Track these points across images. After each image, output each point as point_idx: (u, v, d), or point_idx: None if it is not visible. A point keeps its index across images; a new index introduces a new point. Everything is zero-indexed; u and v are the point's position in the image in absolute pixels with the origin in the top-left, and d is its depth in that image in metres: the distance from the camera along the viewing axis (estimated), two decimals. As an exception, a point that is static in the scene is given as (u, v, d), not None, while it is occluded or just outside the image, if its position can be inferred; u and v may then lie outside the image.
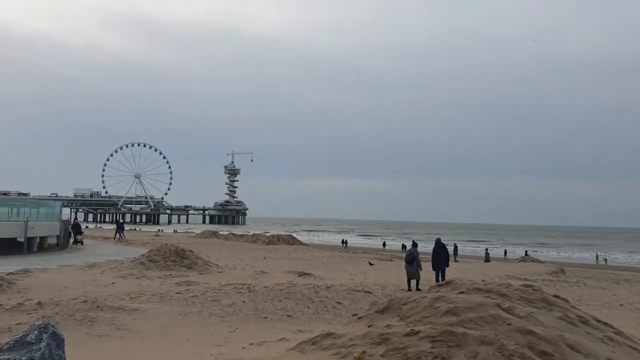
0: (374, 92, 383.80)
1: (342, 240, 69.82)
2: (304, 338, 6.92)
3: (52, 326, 4.80)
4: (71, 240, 33.16)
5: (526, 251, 58.26)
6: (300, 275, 20.07)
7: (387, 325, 6.26)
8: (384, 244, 69.76)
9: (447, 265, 17.51)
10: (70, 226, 35.01)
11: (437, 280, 16.88)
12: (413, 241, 19.11)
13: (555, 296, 6.95)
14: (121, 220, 74.04)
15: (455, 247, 41.97)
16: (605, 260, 59.26)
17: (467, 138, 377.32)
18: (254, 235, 54.15)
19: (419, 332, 5.89)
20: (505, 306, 6.17)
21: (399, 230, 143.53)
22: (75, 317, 9.62)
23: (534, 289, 6.89)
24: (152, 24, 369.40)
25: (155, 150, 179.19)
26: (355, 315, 7.59)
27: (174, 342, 8.05)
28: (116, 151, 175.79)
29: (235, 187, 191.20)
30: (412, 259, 16.37)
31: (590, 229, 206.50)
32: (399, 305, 6.68)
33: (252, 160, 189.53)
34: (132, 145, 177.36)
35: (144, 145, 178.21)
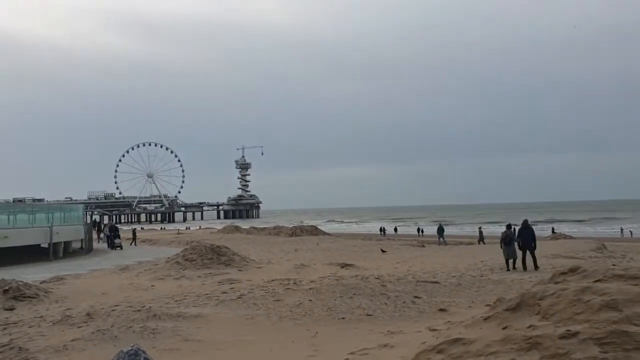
0: (382, 76, 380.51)
1: (380, 228, 67.94)
2: (414, 344, 5.97)
3: (143, 352, 3.90)
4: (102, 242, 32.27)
5: (553, 228, 56.93)
6: (343, 267, 19.16)
7: (530, 327, 5.26)
8: (392, 230, 68.01)
9: (535, 247, 17.65)
10: (104, 229, 34.08)
11: (523, 261, 17.42)
12: (509, 224, 20.07)
13: None
14: (113, 223, 66.97)
15: (440, 228, 40.86)
16: (631, 232, 57.90)
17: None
18: (275, 227, 53.29)
19: (577, 333, 4.88)
20: (673, 296, 5.15)
21: (411, 215, 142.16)
22: (133, 328, 8.72)
23: (687, 273, 5.85)
24: (151, 19, 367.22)
25: (167, 149, 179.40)
26: (473, 317, 6.60)
27: (255, 354, 7.12)
28: (128, 152, 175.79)
29: (247, 182, 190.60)
30: (510, 240, 17.67)
31: (594, 203, 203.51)
32: (535, 300, 5.67)
33: (262, 154, 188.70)
34: (143, 145, 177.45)
35: (155, 145, 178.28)
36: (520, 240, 17.68)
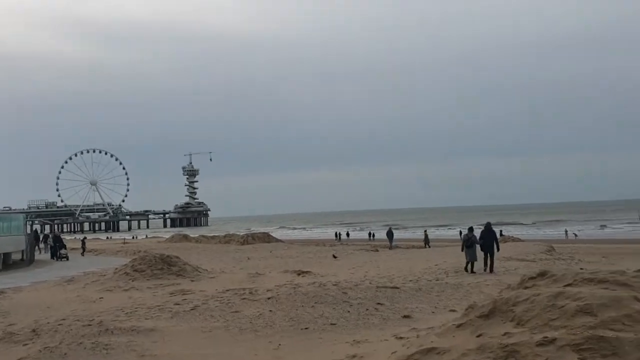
0: (337, 81, 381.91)
1: (336, 234, 67.82)
2: (383, 354, 5.78)
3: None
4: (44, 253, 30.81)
5: (501, 231, 58.25)
6: (299, 274, 18.87)
7: (506, 334, 5.15)
8: (344, 234, 68.24)
9: (498, 250, 18.05)
10: (47, 239, 32.53)
11: (485, 263, 17.68)
12: (470, 227, 19.84)
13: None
14: (57, 232, 60.39)
15: (390, 232, 41.26)
16: (575, 234, 59.97)
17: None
18: (226, 235, 52.43)
19: (554, 339, 4.81)
20: (645, 299, 5.14)
21: (358, 220, 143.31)
22: (84, 345, 8.19)
23: (653, 275, 5.89)
24: (88, 21, 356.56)
25: (111, 155, 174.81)
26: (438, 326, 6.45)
27: (217, 369, 6.76)
28: (70, 158, 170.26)
29: (195, 189, 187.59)
30: (471, 243, 17.69)
31: (533, 206, 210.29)
32: (508, 306, 5.58)
33: (211, 160, 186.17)
34: (87, 152, 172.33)
35: (99, 152, 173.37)
36: (482, 243, 17.79)
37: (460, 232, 63.51)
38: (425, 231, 45.83)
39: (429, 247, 38.64)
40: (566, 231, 63.01)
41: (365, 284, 13.39)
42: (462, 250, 18.14)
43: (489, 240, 17.81)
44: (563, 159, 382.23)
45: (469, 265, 17.57)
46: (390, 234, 40.70)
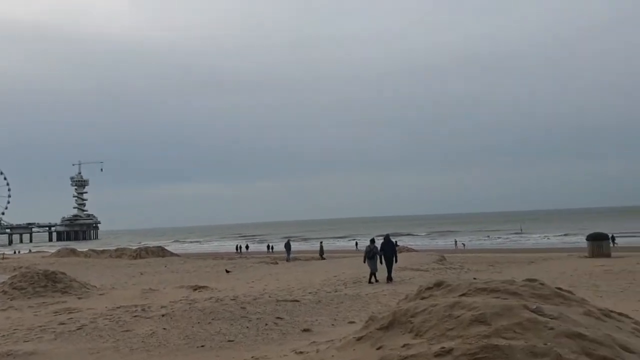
0: (220, 93, 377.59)
1: (237, 246, 66.10)
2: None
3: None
4: None
5: (396, 242, 59.99)
6: (195, 289, 18.26)
7: (405, 346, 5.16)
8: (246, 247, 67.50)
9: (396, 261, 18.83)
10: None
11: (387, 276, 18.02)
12: (372, 239, 20.41)
13: (558, 288, 6.31)
14: None
15: (287, 244, 41.50)
16: (464, 244, 63.11)
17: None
18: (117, 249, 50.00)
19: (451, 350, 4.87)
20: (534, 307, 5.36)
21: (259, 232, 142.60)
22: (-50, 375, 7.34)
23: (540, 284, 6.19)
24: None
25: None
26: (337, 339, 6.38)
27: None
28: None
29: (84, 200, 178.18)
30: (373, 255, 18.14)
31: (428, 217, 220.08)
32: (407, 318, 5.60)
33: (102, 170, 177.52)
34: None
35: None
36: (382, 254, 18.30)
37: (356, 244, 65.28)
38: (321, 242, 46.21)
39: (324, 258, 38.99)
40: (455, 241, 66.29)
41: (265, 298, 13.17)
42: (365, 262, 18.49)
43: (388, 251, 18.45)
44: (452, 174, 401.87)
45: (372, 277, 17.92)
46: (287, 246, 40.59)
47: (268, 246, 63.79)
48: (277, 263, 34.31)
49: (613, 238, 39.89)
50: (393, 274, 18.32)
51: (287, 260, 37.90)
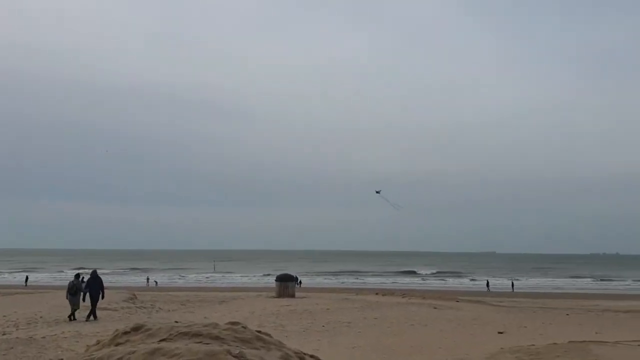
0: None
1: None
2: None
3: None
4: None
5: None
6: None
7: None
8: None
9: (103, 297, 18.50)
10: None
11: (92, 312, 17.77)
12: (77, 274, 19.87)
13: (258, 331, 6.32)
14: None
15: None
16: (156, 282, 61.86)
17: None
18: None
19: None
20: (237, 352, 5.19)
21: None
22: None
23: (242, 327, 6.10)
24: None
25: None
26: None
27: None
28: None
29: None
30: (76, 290, 17.73)
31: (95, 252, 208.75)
32: (98, 368, 4.87)
33: None
34: None
35: None
36: (87, 291, 17.89)
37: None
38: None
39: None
40: (148, 279, 64.50)
41: None
42: (67, 298, 17.97)
43: (94, 288, 18.03)
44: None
45: (72, 314, 17.40)
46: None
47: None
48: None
49: (297, 279, 43.54)
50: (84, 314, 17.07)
51: None
